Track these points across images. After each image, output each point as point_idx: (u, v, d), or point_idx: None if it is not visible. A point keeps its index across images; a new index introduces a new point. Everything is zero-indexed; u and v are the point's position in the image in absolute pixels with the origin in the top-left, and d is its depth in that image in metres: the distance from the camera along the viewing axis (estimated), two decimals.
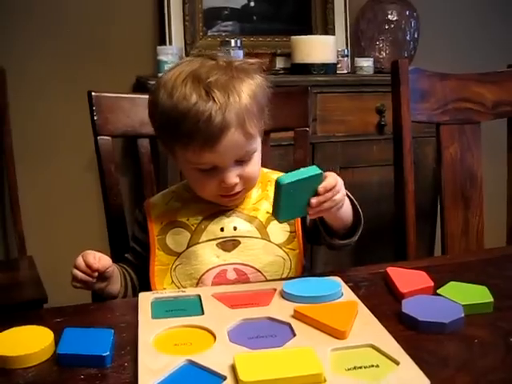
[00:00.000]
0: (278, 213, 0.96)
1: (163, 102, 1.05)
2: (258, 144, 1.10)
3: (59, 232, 2.39)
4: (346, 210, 1.08)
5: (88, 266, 1.01)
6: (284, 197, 0.92)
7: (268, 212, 1.14)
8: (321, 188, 0.95)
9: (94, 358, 0.79)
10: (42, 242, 2.30)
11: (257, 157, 1.11)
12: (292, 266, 1.14)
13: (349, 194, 1.09)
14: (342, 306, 0.90)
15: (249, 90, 1.05)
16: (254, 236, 1.13)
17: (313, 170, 0.94)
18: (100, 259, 1.03)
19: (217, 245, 1.11)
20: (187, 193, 1.17)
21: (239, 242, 1.12)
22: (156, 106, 1.07)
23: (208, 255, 1.11)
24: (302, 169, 0.94)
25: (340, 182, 0.99)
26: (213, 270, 1.10)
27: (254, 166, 1.10)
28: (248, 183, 1.11)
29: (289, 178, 0.92)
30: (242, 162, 1.08)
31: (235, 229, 1.12)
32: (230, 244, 1.12)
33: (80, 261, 1.02)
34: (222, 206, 1.14)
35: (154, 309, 0.93)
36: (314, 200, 0.96)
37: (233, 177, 1.07)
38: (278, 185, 0.92)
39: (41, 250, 2.19)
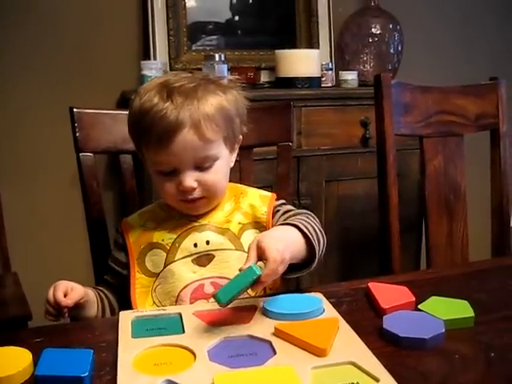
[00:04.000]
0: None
1: (133, 106, 1.11)
2: (221, 153, 1.11)
3: (44, 248, 2.38)
4: (294, 253, 1.01)
5: (57, 302, 1.01)
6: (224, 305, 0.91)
7: (240, 222, 1.15)
8: (263, 278, 0.91)
9: (72, 379, 0.77)
10: (27, 259, 2.28)
11: (219, 166, 1.11)
12: None
13: (302, 224, 1.05)
14: (322, 323, 0.90)
15: (214, 100, 1.09)
16: (227, 248, 1.13)
17: (251, 275, 0.90)
18: (72, 290, 1.03)
19: (192, 261, 1.12)
20: (162, 211, 1.18)
21: (213, 256, 1.12)
22: (129, 111, 1.14)
23: (184, 272, 1.11)
24: (240, 272, 0.91)
25: (280, 259, 0.93)
26: (190, 285, 1.10)
27: (215, 174, 1.11)
28: (208, 192, 1.11)
29: (227, 293, 0.89)
30: (201, 168, 1.09)
31: (208, 243, 1.13)
32: (204, 258, 1.12)
33: (50, 295, 1.02)
34: (194, 222, 1.14)
35: (135, 328, 0.92)
36: (255, 289, 0.95)
37: (189, 180, 1.08)
38: (218, 302, 0.89)
39: (26, 266, 2.17)
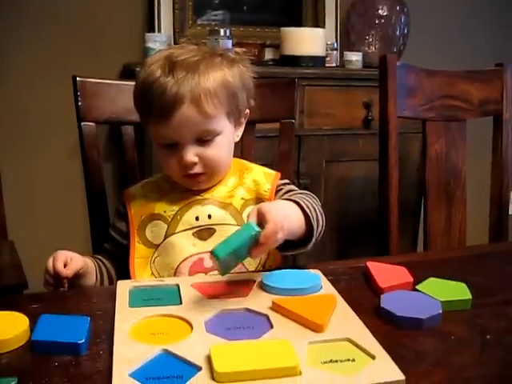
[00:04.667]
0: (220, 271, 0.93)
1: (138, 78, 1.11)
2: (223, 128, 1.10)
3: (41, 217, 2.38)
4: (293, 227, 1.01)
5: (57, 272, 1.01)
6: (222, 264, 0.90)
7: (243, 198, 1.15)
8: (262, 238, 0.90)
9: (68, 345, 0.78)
10: (24, 227, 2.28)
11: (221, 141, 1.10)
12: (270, 252, 1.12)
13: (303, 202, 1.05)
14: (320, 299, 0.90)
15: (217, 74, 1.08)
16: (229, 223, 1.12)
17: (249, 230, 0.89)
18: (72, 260, 1.03)
19: (193, 234, 1.11)
20: (166, 182, 1.17)
21: (215, 230, 1.11)
22: (135, 83, 1.14)
23: (184, 245, 1.11)
24: (238, 229, 0.90)
25: (280, 224, 0.92)
26: (189, 258, 1.10)
27: (217, 149, 1.10)
28: (209, 167, 1.10)
29: (225, 247, 0.87)
30: (202, 142, 1.08)
31: (210, 217, 1.12)
32: (205, 232, 1.11)
33: (50, 266, 1.02)
34: (197, 195, 1.14)
35: (132, 297, 0.93)
36: (254, 252, 0.92)
37: (190, 154, 1.07)
38: (214, 256, 0.87)
39: (22, 235, 2.17)
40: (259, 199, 1.15)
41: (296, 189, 1.19)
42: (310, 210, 1.05)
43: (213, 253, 0.87)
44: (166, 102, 1.04)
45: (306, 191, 1.16)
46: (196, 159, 1.08)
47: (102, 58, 2.33)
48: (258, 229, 0.89)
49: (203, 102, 1.05)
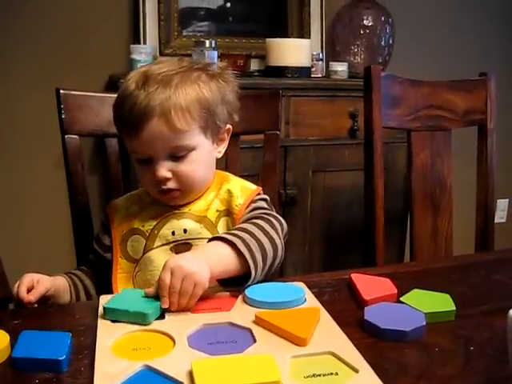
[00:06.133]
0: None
1: (118, 93, 1.11)
2: (197, 143, 1.08)
3: (26, 230, 2.36)
4: (221, 270, 0.98)
5: (19, 299, 1.00)
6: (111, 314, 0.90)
7: (218, 210, 1.13)
8: (163, 304, 0.90)
9: (49, 362, 0.77)
10: (9, 240, 2.26)
11: (196, 156, 1.08)
12: None
13: (242, 240, 0.99)
14: (303, 313, 0.89)
15: (191, 89, 1.06)
16: (204, 236, 1.10)
17: (142, 317, 0.87)
18: (38, 283, 1.02)
19: (170, 249, 1.10)
20: (148, 196, 1.16)
21: (191, 245, 1.10)
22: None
23: (162, 260, 1.07)
24: (136, 307, 0.89)
25: (176, 278, 0.90)
26: None
27: (191, 164, 1.08)
28: (184, 183, 1.08)
29: (115, 310, 0.89)
30: (176, 157, 1.07)
31: (185, 231, 1.10)
32: (182, 247, 1.09)
33: (15, 290, 1.01)
34: (176, 209, 1.13)
35: None
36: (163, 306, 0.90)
37: (163, 170, 1.06)
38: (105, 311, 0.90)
39: (7, 247, 2.15)
40: (229, 212, 1.13)
41: (265, 206, 1.14)
42: (250, 249, 0.99)
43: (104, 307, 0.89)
44: (135, 116, 1.03)
45: (269, 213, 1.11)
46: (169, 174, 1.07)
47: (88, 70, 2.32)
48: (151, 318, 0.87)
49: (173, 117, 1.03)
